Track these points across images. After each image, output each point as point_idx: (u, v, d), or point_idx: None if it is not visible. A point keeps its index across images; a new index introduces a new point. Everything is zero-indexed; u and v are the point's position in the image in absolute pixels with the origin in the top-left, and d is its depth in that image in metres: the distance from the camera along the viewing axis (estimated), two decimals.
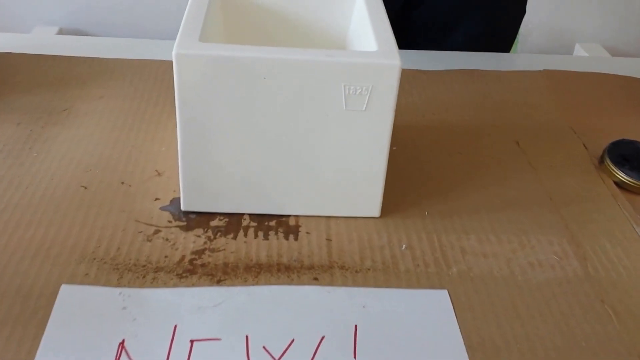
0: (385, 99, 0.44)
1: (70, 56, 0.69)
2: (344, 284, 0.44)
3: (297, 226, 0.49)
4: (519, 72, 0.74)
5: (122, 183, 0.52)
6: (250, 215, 0.49)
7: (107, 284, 0.42)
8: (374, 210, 0.50)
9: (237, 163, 0.47)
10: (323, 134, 0.46)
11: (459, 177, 0.56)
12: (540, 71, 0.75)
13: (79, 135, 0.57)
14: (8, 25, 1.69)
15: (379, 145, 0.47)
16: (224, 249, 0.46)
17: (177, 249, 0.46)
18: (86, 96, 0.63)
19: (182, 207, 0.49)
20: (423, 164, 0.58)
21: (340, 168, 0.48)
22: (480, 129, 0.64)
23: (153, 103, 0.63)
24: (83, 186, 0.51)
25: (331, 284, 0.44)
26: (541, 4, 1.73)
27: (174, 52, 0.41)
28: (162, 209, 0.49)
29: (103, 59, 0.69)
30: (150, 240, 0.46)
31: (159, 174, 0.53)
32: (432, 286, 0.45)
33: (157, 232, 0.47)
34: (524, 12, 0.87)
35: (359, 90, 0.44)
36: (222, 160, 0.46)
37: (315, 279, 0.44)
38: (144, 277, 0.43)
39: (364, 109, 0.45)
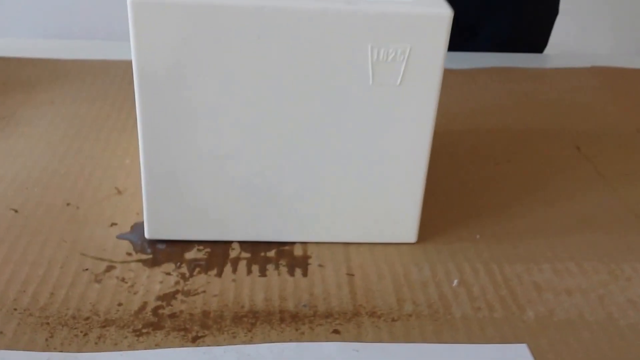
0: (429, 68, 0.32)
1: (16, 57, 0.56)
2: (378, 339, 0.30)
3: (306, 257, 0.35)
4: (562, 69, 0.62)
5: (68, 204, 0.38)
6: (240, 243, 0.36)
7: (29, 346, 0.29)
8: (410, 233, 0.37)
9: (220, 169, 0.33)
10: (340, 124, 0.33)
11: (512, 191, 0.43)
12: (587, 68, 0.63)
13: (18, 147, 0.44)
14: None
15: (419, 139, 0.34)
16: (204, 291, 0.33)
17: (136, 293, 0.32)
18: (32, 101, 0.50)
19: (147, 234, 0.35)
20: (465, 175, 0.45)
21: (363, 175, 0.34)
22: (528, 132, 0.51)
23: (117, 107, 0.50)
24: (13, 209, 0.38)
25: (359, 338, 0.30)
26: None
27: (129, 0, 0.29)
28: (120, 237, 0.36)
29: (58, 59, 0.57)
30: (99, 281, 0.33)
31: (119, 192, 0.40)
32: (503, 339, 0.31)
33: (109, 269, 0.34)
34: (556, 12, 0.75)
35: (392, 55, 0.31)
36: (200, 166, 0.33)
37: (336, 331, 0.31)
38: (85, 335, 0.29)
39: (398, 82, 0.32)
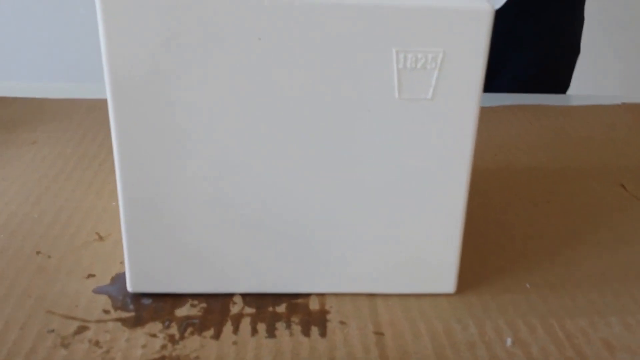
0: (467, 78, 0.26)
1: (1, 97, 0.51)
2: None
3: (324, 312, 0.29)
4: (591, 106, 0.57)
5: (38, 253, 0.32)
6: (243, 295, 0.30)
7: None
8: (448, 282, 0.30)
9: (217, 203, 0.28)
10: (360, 147, 0.27)
11: (558, 234, 0.37)
12: (619, 105, 0.58)
13: None
14: None
15: (456, 166, 0.28)
16: (197, 357, 0.26)
17: None
18: (14, 141, 0.45)
19: (129, 287, 0.29)
20: (502, 217, 0.39)
21: (390, 209, 0.29)
22: (564, 171, 0.45)
23: (107, 148, 0.44)
24: None
25: None
26: None
27: None
28: (97, 290, 0.30)
29: (44, 98, 0.52)
30: (66, 346, 0.26)
31: (100, 238, 0.34)
32: None
33: (81, 330, 0.27)
34: (577, 52, 0.71)
35: (422, 61, 0.26)
36: (191, 199, 0.27)
37: None
38: None
39: (429, 96, 0.27)
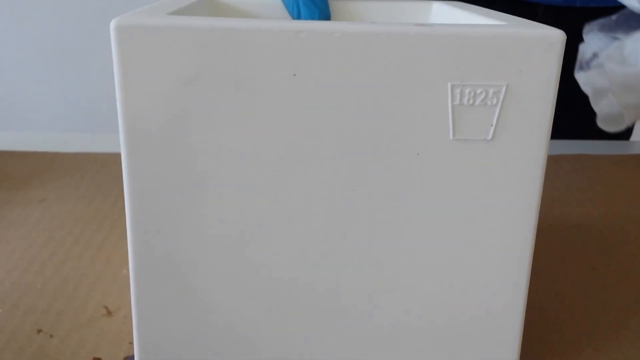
0: (534, 116, 0.22)
1: (8, 151, 0.49)
2: None
3: None
4: None
5: (39, 331, 0.29)
6: None
7: None
8: (510, 353, 0.26)
9: (242, 272, 0.24)
10: (407, 197, 0.23)
11: (625, 303, 0.33)
12: None
13: None
14: None
15: (519, 220, 0.24)
16: None
17: None
18: (20, 200, 0.42)
19: None
20: (558, 284, 0.34)
21: (443, 272, 0.24)
22: (623, 228, 0.41)
23: (119, 207, 0.41)
24: None
25: None
26: None
27: (112, 24, 0.21)
28: None
29: (54, 152, 0.49)
30: None
31: (108, 313, 0.30)
32: None
33: None
34: None
35: (482, 96, 0.22)
36: (213, 264, 0.24)
37: None
38: None
39: (489, 137, 0.23)
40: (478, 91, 0.22)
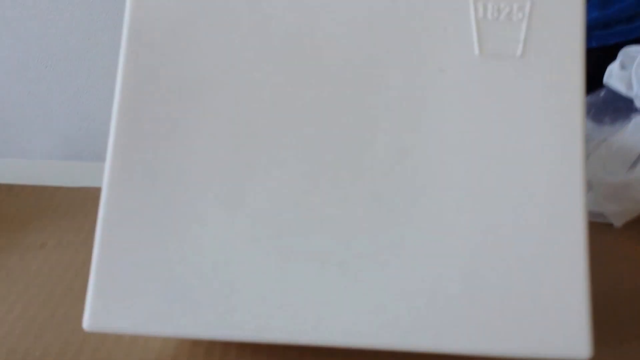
0: (564, 31, 0.21)
1: (6, 184, 0.47)
2: None
3: None
4: None
5: None
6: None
7: None
8: (581, 346, 0.22)
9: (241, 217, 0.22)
10: (432, 123, 0.21)
11: None
12: None
13: None
14: None
15: (566, 150, 0.21)
16: None
17: None
18: (19, 244, 0.40)
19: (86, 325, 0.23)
20: None
21: (481, 221, 0.22)
22: None
23: None
24: None
25: None
26: None
27: None
28: None
29: (57, 187, 0.47)
30: None
31: None
32: None
33: None
34: None
35: (507, 10, 0.21)
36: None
37: None
38: None
39: (519, 53, 0.21)
40: (502, 5, 0.21)
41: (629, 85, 0.39)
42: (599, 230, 0.43)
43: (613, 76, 0.41)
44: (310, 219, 0.21)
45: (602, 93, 0.42)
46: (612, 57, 0.51)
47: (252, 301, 0.22)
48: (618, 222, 0.41)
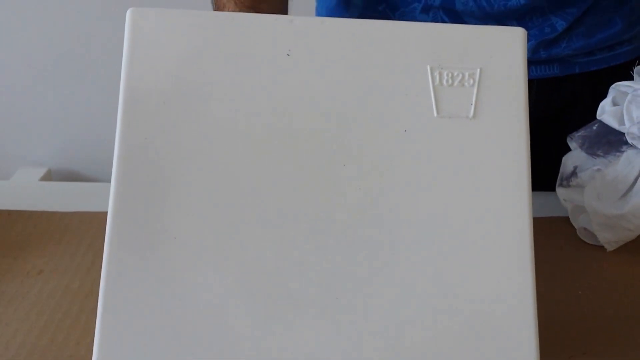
0: (510, 95, 0.26)
1: (6, 210, 0.50)
2: None
3: None
4: None
5: None
6: None
7: None
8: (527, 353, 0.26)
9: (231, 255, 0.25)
10: (395, 175, 0.25)
11: None
12: None
13: None
14: None
15: (513, 199, 0.25)
16: None
17: None
18: (19, 270, 0.43)
19: None
20: None
21: (439, 255, 0.25)
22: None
23: None
24: None
25: None
26: None
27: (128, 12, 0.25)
28: None
29: (53, 212, 0.50)
30: None
31: None
32: None
33: None
34: None
35: (459, 78, 0.25)
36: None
37: None
38: None
39: (471, 115, 0.26)
40: (455, 73, 0.25)
41: (621, 121, 0.42)
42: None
43: (606, 112, 0.43)
44: (290, 269, 0.25)
45: (595, 126, 0.44)
46: (594, 82, 0.54)
47: (242, 345, 0.25)
48: (610, 248, 0.44)
